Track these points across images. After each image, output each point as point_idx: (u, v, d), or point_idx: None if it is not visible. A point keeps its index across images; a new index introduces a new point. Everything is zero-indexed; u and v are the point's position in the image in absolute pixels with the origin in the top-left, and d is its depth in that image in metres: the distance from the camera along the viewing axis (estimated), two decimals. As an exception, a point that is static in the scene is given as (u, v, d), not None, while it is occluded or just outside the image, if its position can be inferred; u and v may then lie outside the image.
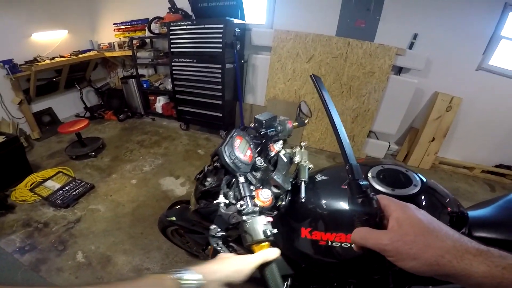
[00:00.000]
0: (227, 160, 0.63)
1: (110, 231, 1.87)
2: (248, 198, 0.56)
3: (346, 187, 0.75)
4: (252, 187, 0.62)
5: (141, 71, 3.88)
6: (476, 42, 2.66)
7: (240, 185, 0.59)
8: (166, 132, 3.52)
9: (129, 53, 3.59)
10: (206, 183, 0.76)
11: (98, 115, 3.82)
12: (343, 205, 0.71)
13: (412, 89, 2.84)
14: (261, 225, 0.51)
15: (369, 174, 0.75)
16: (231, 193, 0.63)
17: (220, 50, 2.72)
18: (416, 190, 0.71)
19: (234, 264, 0.47)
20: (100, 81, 4.09)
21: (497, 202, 0.87)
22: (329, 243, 0.70)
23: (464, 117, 2.94)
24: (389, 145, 3.26)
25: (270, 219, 0.54)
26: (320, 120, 3.17)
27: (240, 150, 0.68)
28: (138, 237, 1.81)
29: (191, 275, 0.40)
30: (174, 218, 1.18)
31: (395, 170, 0.78)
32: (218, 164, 0.67)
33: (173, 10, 3.09)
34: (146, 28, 3.34)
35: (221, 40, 2.66)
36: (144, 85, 3.73)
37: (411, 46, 2.78)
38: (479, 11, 2.51)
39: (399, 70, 2.91)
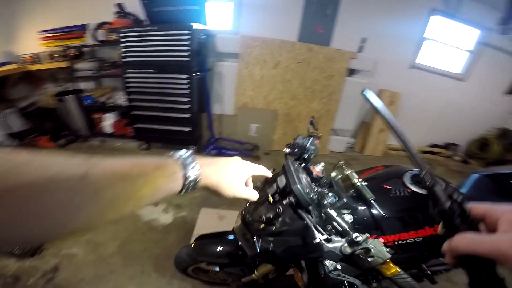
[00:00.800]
0: (306, 197, 0.60)
1: (104, 275, 1.53)
2: (350, 227, 0.60)
3: (388, 187, 0.82)
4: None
5: (80, 85, 3.31)
6: (408, 43, 3.19)
7: (337, 218, 0.62)
8: (124, 155, 3.08)
9: (64, 64, 3.02)
10: (277, 223, 0.72)
11: (30, 142, 3.08)
12: (394, 207, 0.77)
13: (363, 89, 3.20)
14: (382, 246, 0.56)
15: (405, 182, 0.81)
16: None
17: (188, 59, 2.53)
18: None
19: (232, 185, 0.51)
20: (24, 99, 3.30)
21: (466, 183, 1.00)
22: (394, 243, 0.76)
23: (403, 108, 3.48)
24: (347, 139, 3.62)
25: (382, 239, 0.59)
26: (288, 123, 3.30)
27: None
28: (140, 276, 1.55)
29: (194, 173, 0.42)
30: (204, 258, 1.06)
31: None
32: (292, 202, 0.64)
33: (121, 14, 2.73)
34: (90, 35, 2.87)
35: (188, 48, 2.48)
36: (87, 102, 3.19)
37: (360, 49, 3.14)
38: (411, 16, 3.02)
39: (351, 72, 3.25)
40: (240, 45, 2.91)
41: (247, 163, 0.57)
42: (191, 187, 0.42)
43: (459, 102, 3.48)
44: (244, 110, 3.18)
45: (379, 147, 3.61)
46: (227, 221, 1.99)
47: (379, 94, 3.38)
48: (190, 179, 0.41)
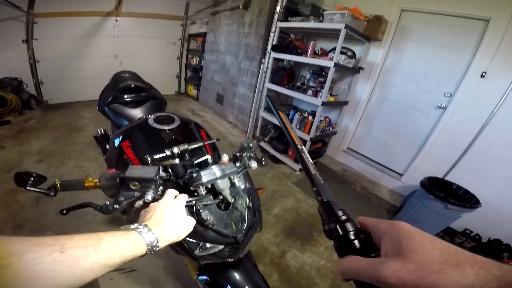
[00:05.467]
0: None
1: None
2: None
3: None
4: None
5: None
6: None
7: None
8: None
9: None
10: None
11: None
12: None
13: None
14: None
15: (150, 117, 1.05)
16: None
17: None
18: (178, 124, 1.06)
19: (181, 232, 0.57)
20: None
21: None
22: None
23: None
24: None
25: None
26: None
27: None
28: None
29: (153, 239, 0.49)
30: None
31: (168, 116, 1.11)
32: None
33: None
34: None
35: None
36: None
37: None
38: None
39: None
40: None
41: (182, 201, 0.63)
42: (154, 250, 0.49)
43: None
44: None
45: None
46: None
47: None
48: (153, 244, 0.48)
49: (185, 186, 0.77)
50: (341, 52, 2.63)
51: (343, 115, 3.25)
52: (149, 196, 0.63)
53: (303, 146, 0.48)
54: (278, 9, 3.19)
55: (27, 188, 0.66)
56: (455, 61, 2.35)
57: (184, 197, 0.65)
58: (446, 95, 2.44)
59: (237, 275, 0.86)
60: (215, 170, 0.76)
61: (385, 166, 3.02)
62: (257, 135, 3.73)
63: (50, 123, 3.88)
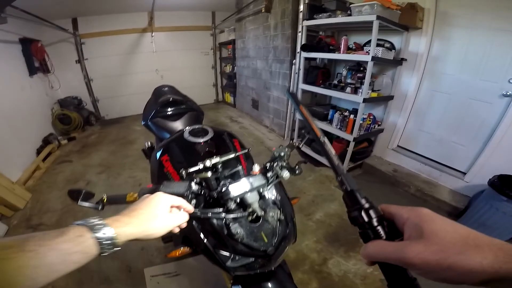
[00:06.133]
0: None
1: None
2: None
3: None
4: None
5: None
6: None
7: None
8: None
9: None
10: None
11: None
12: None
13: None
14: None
15: (185, 131, 1.11)
16: None
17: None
18: (211, 135, 1.09)
19: (152, 225, 0.50)
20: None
21: None
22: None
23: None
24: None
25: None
26: None
27: None
28: None
29: (107, 233, 0.41)
30: None
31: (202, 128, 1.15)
32: None
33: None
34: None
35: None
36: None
37: None
38: None
39: None
40: None
41: (165, 197, 0.57)
42: (109, 246, 0.41)
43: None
44: None
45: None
46: None
47: None
48: (105, 238, 0.41)
49: (218, 198, 0.77)
50: (378, 45, 2.43)
51: (389, 110, 2.99)
52: None
53: (325, 138, 0.51)
54: (301, 7, 3.09)
55: (78, 203, 0.73)
56: (516, 44, 2.00)
57: (175, 197, 0.60)
58: (511, 81, 2.08)
59: (270, 286, 0.85)
60: (244, 184, 0.75)
61: (443, 164, 2.69)
62: (294, 139, 3.65)
63: (108, 138, 4.36)
